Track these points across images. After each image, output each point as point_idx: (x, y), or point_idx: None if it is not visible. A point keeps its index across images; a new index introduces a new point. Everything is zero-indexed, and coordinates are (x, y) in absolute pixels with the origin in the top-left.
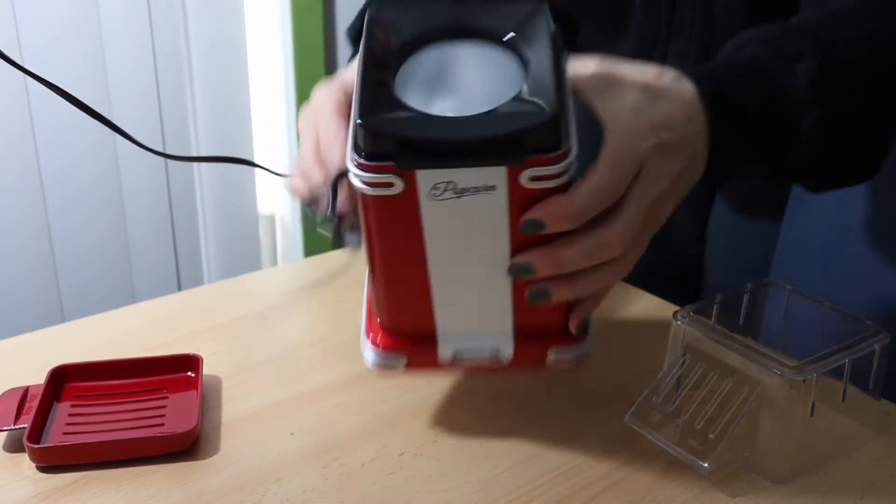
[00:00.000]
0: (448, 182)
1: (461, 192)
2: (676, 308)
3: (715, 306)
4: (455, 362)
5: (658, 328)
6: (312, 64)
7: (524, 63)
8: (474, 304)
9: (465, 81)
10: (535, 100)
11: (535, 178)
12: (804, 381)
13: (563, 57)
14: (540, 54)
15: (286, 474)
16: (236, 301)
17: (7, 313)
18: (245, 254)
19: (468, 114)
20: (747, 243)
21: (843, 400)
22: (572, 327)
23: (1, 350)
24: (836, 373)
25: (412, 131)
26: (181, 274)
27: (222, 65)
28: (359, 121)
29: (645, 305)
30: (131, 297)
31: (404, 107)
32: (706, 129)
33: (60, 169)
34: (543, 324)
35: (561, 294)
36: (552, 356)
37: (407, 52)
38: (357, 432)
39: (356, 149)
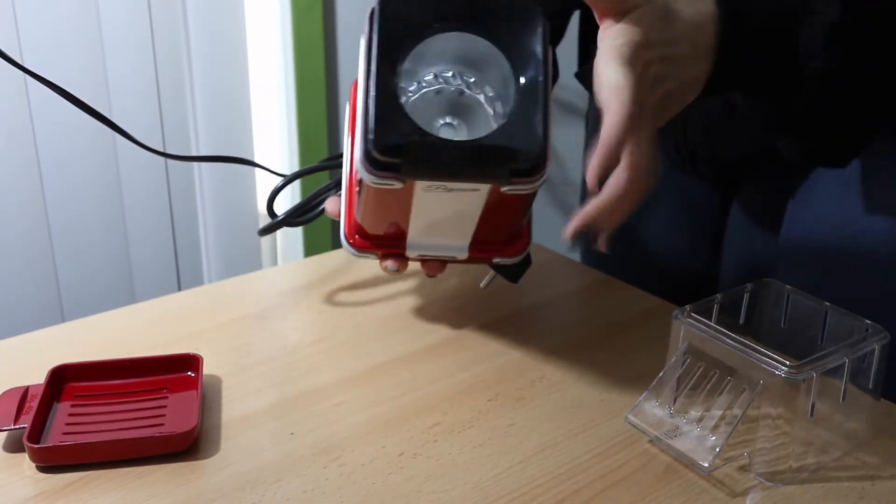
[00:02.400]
0: (441, 185)
1: (450, 189)
2: (676, 308)
3: (715, 306)
4: (419, 258)
5: (658, 328)
6: (312, 64)
7: (515, 70)
8: (443, 236)
9: (463, 98)
10: (524, 128)
11: (513, 189)
12: (804, 380)
13: (551, 72)
14: (532, 70)
15: (286, 474)
16: (236, 301)
17: (6, 312)
18: (245, 254)
19: (464, 136)
20: (750, 245)
21: (843, 400)
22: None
23: (1, 350)
24: (836, 372)
25: (416, 156)
26: (181, 274)
27: (222, 64)
28: (371, 138)
29: (645, 305)
30: (131, 297)
31: (410, 124)
32: (714, 33)
33: (60, 168)
34: (494, 241)
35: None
36: (497, 260)
37: (413, 43)
38: (357, 432)
39: (367, 157)
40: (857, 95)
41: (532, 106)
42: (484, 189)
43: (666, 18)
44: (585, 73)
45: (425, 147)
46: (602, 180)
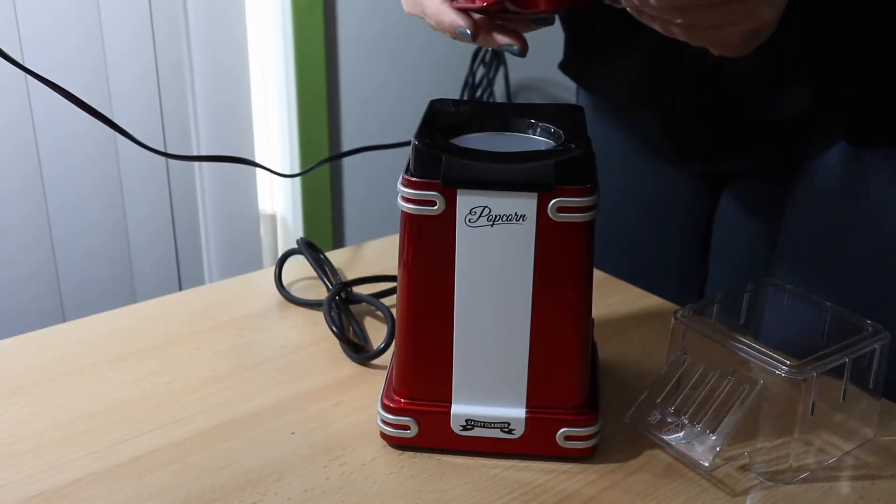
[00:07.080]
0: (484, 207)
1: (494, 220)
2: (677, 308)
3: (715, 306)
4: (465, 431)
5: (658, 328)
6: (313, 63)
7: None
8: (492, 359)
9: (507, 142)
10: (568, 144)
11: (562, 210)
12: (804, 380)
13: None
14: (574, 129)
15: (286, 474)
16: (236, 301)
17: (8, 313)
18: (246, 253)
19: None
20: (750, 243)
21: (844, 399)
22: None
23: (1, 350)
24: (837, 372)
25: (458, 156)
26: (182, 273)
27: (223, 65)
28: (414, 141)
29: (645, 305)
30: (132, 297)
31: (453, 144)
32: None
33: (62, 168)
34: (556, 395)
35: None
36: (564, 430)
37: (460, 132)
38: (357, 432)
39: (407, 169)
40: None
41: (573, 139)
42: (530, 217)
43: None
44: (570, 64)
45: (465, 153)
46: None
